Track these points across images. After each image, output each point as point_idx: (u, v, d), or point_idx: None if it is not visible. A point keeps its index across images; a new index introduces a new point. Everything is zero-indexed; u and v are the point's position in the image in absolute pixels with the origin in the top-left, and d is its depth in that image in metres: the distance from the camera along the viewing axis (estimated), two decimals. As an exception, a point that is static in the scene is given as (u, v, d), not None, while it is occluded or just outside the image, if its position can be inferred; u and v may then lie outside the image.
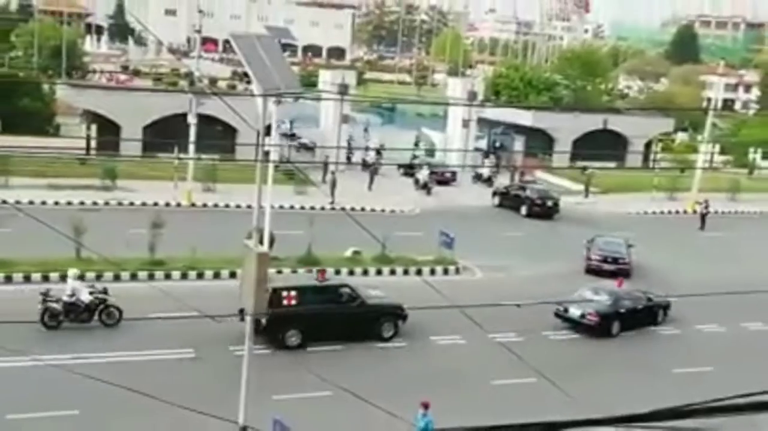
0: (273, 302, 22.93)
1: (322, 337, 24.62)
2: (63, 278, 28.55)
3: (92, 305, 24.89)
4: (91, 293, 25.02)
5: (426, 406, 17.83)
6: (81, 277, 26.00)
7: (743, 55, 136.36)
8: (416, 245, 33.62)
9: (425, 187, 49.75)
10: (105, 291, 25.45)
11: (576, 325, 27.81)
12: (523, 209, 46.40)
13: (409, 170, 52.99)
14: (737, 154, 68.37)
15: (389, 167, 52.51)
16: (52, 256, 28.47)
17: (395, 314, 25.95)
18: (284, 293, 24.34)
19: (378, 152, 54.65)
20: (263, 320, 21.87)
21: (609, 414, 4.70)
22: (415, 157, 55.17)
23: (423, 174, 50.53)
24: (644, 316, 29.03)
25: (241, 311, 20.03)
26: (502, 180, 52.51)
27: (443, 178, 52.42)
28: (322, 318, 24.94)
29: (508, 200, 48.00)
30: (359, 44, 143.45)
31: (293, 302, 24.45)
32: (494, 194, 49.30)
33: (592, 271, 34.89)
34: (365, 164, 51.10)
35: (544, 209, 46.25)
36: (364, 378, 21.52)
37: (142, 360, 22.45)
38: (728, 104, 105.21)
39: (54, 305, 24.34)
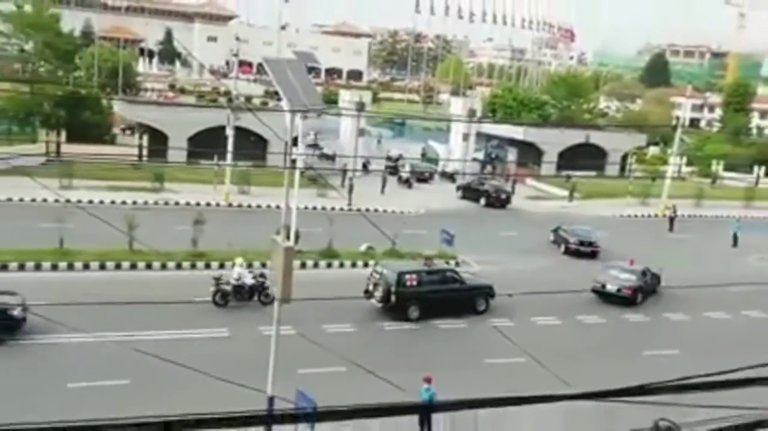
0: (399, 283, 25.75)
1: (434, 312, 26.22)
2: (118, 266, 28.59)
3: (254, 287, 26.03)
4: (253, 277, 26.17)
5: (428, 380, 17.58)
6: (249, 265, 27.21)
7: (708, 80, 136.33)
8: (421, 241, 33.30)
9: (407, 182, 52.57)
10: (263, 275, 26.27)
11: (610, 297, 29.37)
12: (482, 201, 48.61)
13: (393, 169, 54.52)
14: (702, 165, 68.12)
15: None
16: (109, 248, 28.42)
17: (487, 292, 27.72)
18: (407, 277, 26.19)
19: (396, 160, 56.53)
20: (392, 299, 25.58)
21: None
22: (397, 158, 58.04)
23: (405, 172, 53.56)
24: (652, 287, 31.02)
25: (366, 292, 26.16)
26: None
27: (422, 176, 54.88)
28: (435, 296, 26.51)
29: (470, 193, 49.90)
30: (374, 68, 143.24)
31: (414, 283, 26.27)
32: (458, 188, 51.26)
33: (571, 253, 37.27)
34: (394, 172, 52.48)
35: (499, 201, 48.41)
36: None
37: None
38: (694, 122, 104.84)
39: (225, 287, 25.61)
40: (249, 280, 26.08)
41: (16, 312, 20.70)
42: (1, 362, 19.78)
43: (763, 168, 65.38)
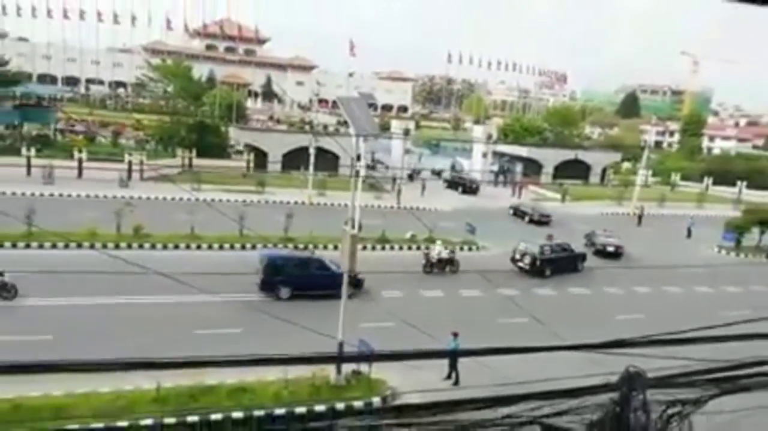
0: (541, 253, 28.99)
1: (556, 269, 29.05)
2: (231, 247, 28.94)
3: (448, 260, 27.63)
4: (449, 253, 27.91)
5: (456, 335, 17.29)
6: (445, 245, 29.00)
7: (669, 112, 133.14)
8: (451, 231, 33.09)
9: (460, 187, 51.21)
10: (453, 252, 28.46)
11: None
12: (459, 189, 50.29)
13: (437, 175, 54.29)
14: (664, 176, 66.43)
15: (437, 182, 52.07)
16: (226, 233, 28.80)
17: (583, 257, 30.63)
18: (545, 248, 29.33)
19: (439, 173, 56.04)
20: (537, 263, 28.41)
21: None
22: (440, 171, 56.86)
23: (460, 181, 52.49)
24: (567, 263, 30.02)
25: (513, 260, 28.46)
26: (506, 192, 51.85)
27: (471, 188, 51.82)
28: (558, 259, 29.42)
29: (452, 185, 51.43)
30: (417, 103, 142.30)
31: (549, 253, 29.23)
32: (444, 181, 52.32)
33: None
34: (464, 188, 50.79)
35: (471, 189, 50.14)
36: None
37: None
38: (658, 144, 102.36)
39: (432, 259, 27.32)
40: (445, 254, 27.65)
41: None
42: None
43: (711, 179, 63.41)
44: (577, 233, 35.74)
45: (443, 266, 27.53)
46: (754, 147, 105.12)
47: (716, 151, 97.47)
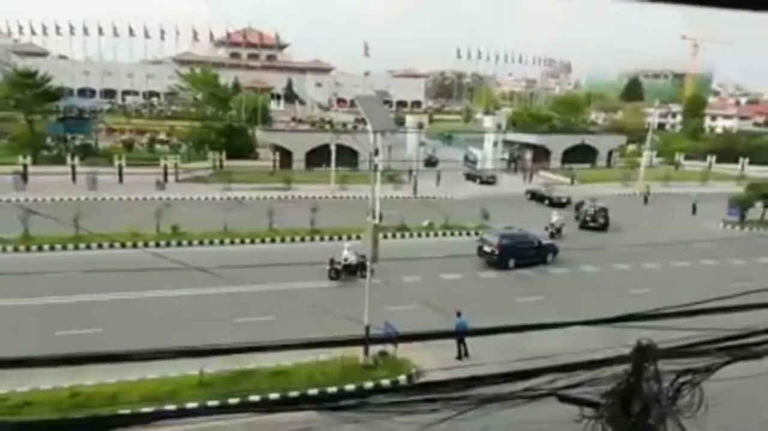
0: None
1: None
2: (262, 241, 29.13)
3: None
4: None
5: (459, 314, 16.78)
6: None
7: (671, 95, 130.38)
8: (465, 217, 32.90)
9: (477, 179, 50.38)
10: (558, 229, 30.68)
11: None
12: (477, 181, 49.42)
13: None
14: (668, 156, 65.03)
15: (453, 171, 51.59)
16: (257, 228, 28.98)
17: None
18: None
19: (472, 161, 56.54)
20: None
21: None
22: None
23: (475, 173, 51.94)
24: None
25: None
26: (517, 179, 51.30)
27: (488, 180, 50.89)
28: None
29: (470, 177, 50.62)
30: (430, 98, 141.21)
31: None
32: (464, 174, 51.42)
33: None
34: (481, 179, 50.20)
35: (488, 182, 49.07)
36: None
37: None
38: (662, 126, 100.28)
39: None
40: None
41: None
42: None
43: (714, 157, 62.03)
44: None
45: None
46: (755, 125, 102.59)
47: (718, 130, 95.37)
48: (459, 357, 16.65)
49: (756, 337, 3.58)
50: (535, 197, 42.54)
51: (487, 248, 26.01)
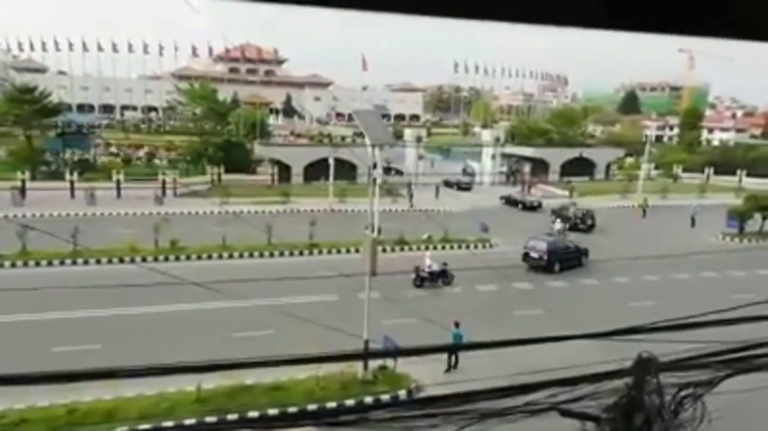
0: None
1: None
2: (261, 254, 28.99)
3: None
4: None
5: (457, 324, 16.83)
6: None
7: (668, 108, 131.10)
8: (464, 230, 32.85)
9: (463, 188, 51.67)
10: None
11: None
12: (455, 187, 51.44)
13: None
14: (665, 169, 65.21)
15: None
16: (255, 243, 28.86)
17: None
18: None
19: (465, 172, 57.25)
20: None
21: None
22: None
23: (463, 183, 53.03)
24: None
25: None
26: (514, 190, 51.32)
27: (465, 186, 53.05)
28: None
29: (448, 184, 51.65)
30: (428, 112, 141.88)
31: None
32: (443, 182, 51.41)
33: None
34: (458, 185, 52.30)
35: (464, 187, 51.60)
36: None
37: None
38: (659, 138, 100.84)
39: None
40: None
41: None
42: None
43: (712, 169, 62.26)
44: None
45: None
46: (752, 137, 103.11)
47: (715, 142, 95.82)
48: (448, 369, 16.56)
49: (759, 349, 3.56)
50: (509, 201, 45.87)
51: (534, 254, 27.99)
